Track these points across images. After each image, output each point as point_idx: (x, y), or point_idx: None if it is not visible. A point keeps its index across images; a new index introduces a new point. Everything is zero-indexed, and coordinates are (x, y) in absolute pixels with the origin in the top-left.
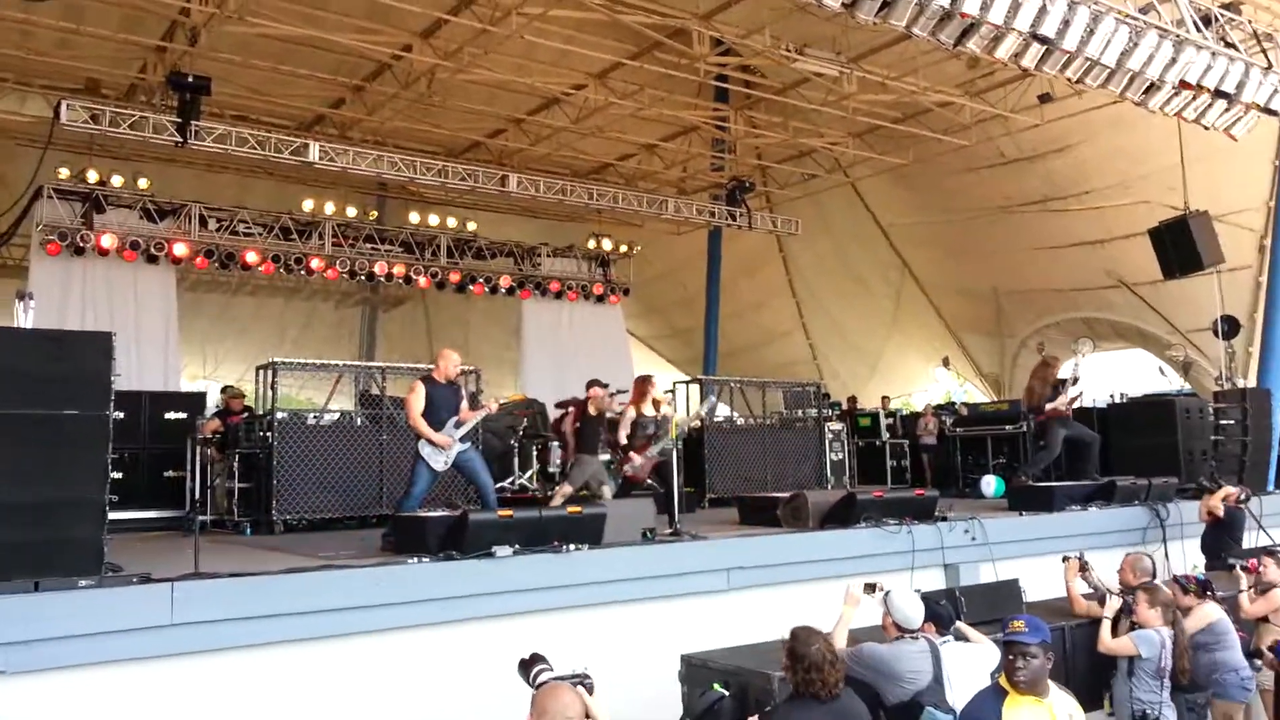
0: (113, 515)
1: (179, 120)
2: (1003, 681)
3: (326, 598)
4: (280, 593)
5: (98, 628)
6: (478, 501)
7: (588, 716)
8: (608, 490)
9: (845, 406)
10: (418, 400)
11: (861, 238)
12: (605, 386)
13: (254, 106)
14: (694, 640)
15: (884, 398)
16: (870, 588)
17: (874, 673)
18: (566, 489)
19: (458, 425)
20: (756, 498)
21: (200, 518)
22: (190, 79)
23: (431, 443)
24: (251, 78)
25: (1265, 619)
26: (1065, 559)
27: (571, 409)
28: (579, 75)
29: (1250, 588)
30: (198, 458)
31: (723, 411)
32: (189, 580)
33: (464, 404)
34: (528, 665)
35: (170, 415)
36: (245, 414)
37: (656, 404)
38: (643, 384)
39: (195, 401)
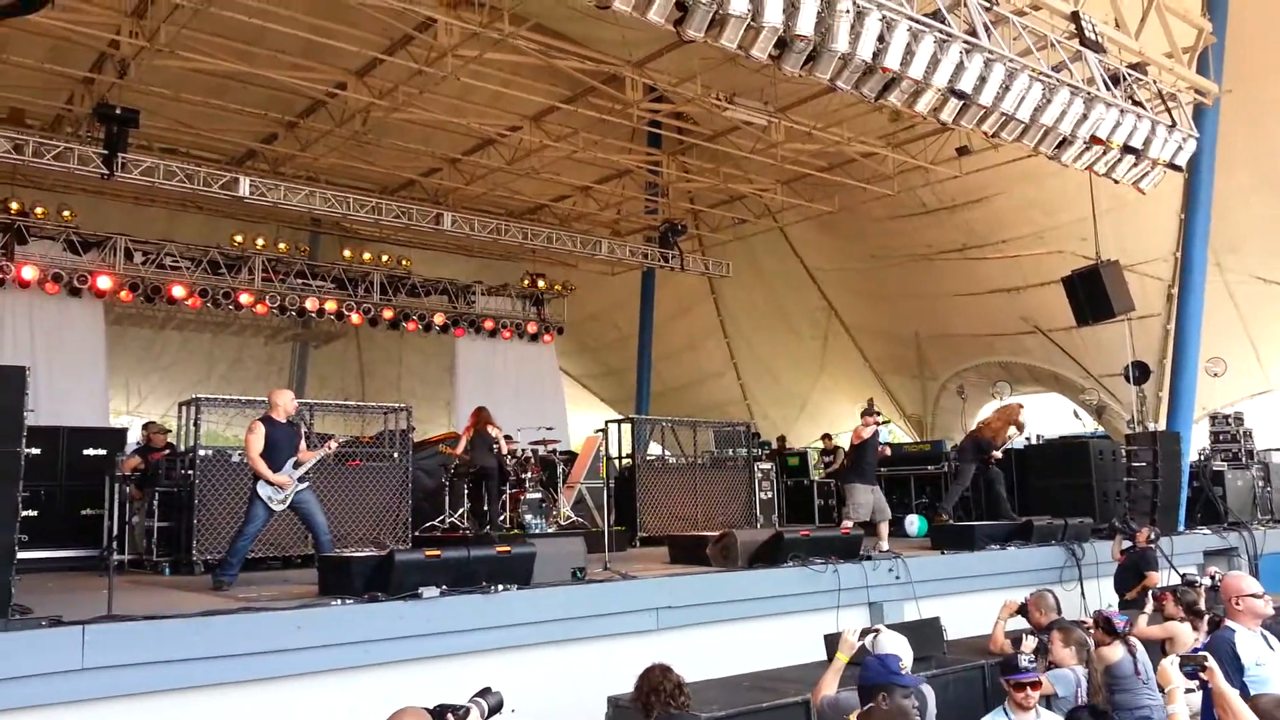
0: (23, 555)
1: (105, 152)
2: None
3: (246, 641)
4: (197, 636)
5: (4, 673)
6: (313, 545)
7: None
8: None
9: (775, 446)
10: (257, 440)
11: (790, 281)
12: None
13: (184, 140)
14: (622, 681)
15: (825, 435)
16: (868, 633)
17: None
18: None
19: (296, 465)
20: (686, 536)
21: (117, 557)
22: (118, 111)
23: (270, 483)
24: (182, 111)
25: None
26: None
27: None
28: (514, 117)
29: (1148, 612)
30: (116, 495)
31: (654, 450)
32: (102, 623)
33: (302, 443)
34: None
35: (89, 451)
36: (167, 451)
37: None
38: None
39: (116, 437)
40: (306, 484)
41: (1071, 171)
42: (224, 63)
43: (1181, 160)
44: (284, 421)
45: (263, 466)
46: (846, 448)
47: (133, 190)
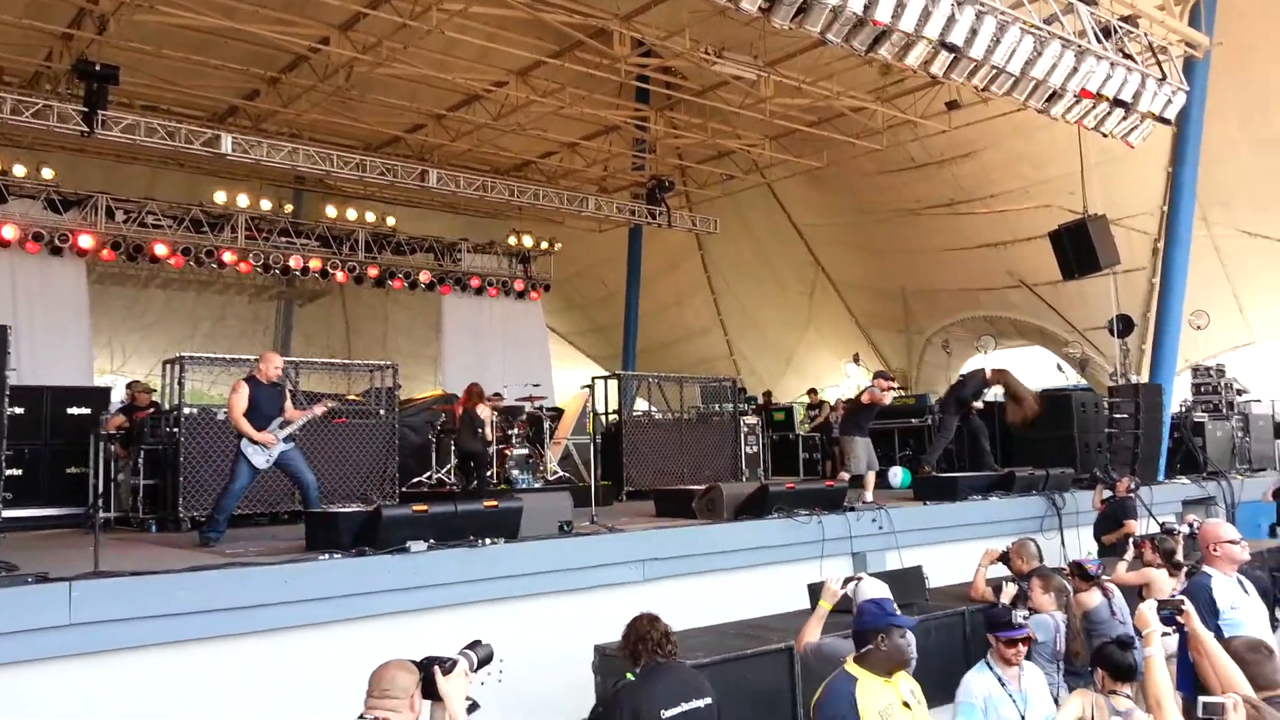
0: (8, 513)
1: (85, 110)
2: (851, 666)
3: (233, 596)
4: (184, 591)
5: None
6: (301, 501)
7: (432, 695)
8: None
9: (761, 401)
10: (240, 399)
11: (778, 237)
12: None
13: (165, 96)
14: (609, 631)
15: (811, 390)
16: (850, 581)
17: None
18: None
19: (283, 425)
20: (673, 490)
21: (103, 515)
22: (97, 67)
23: (254, 441)
24: (162, 67)
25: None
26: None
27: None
28: (500, 72)
29: (1127, 559)
30: (100, 454)
31: (641, 406)
32: (88, 579)
33: (288, 403)
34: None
35: (73, 410)
36: (151, 409)
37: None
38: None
39: (100, 396)
40: (293, 444)
41: (1060, 125)
42: (205, 17)
43: (1171, 114)
44: (266, 384)
45: (246, 425)
46: (849, 401)
47: (113, 148)
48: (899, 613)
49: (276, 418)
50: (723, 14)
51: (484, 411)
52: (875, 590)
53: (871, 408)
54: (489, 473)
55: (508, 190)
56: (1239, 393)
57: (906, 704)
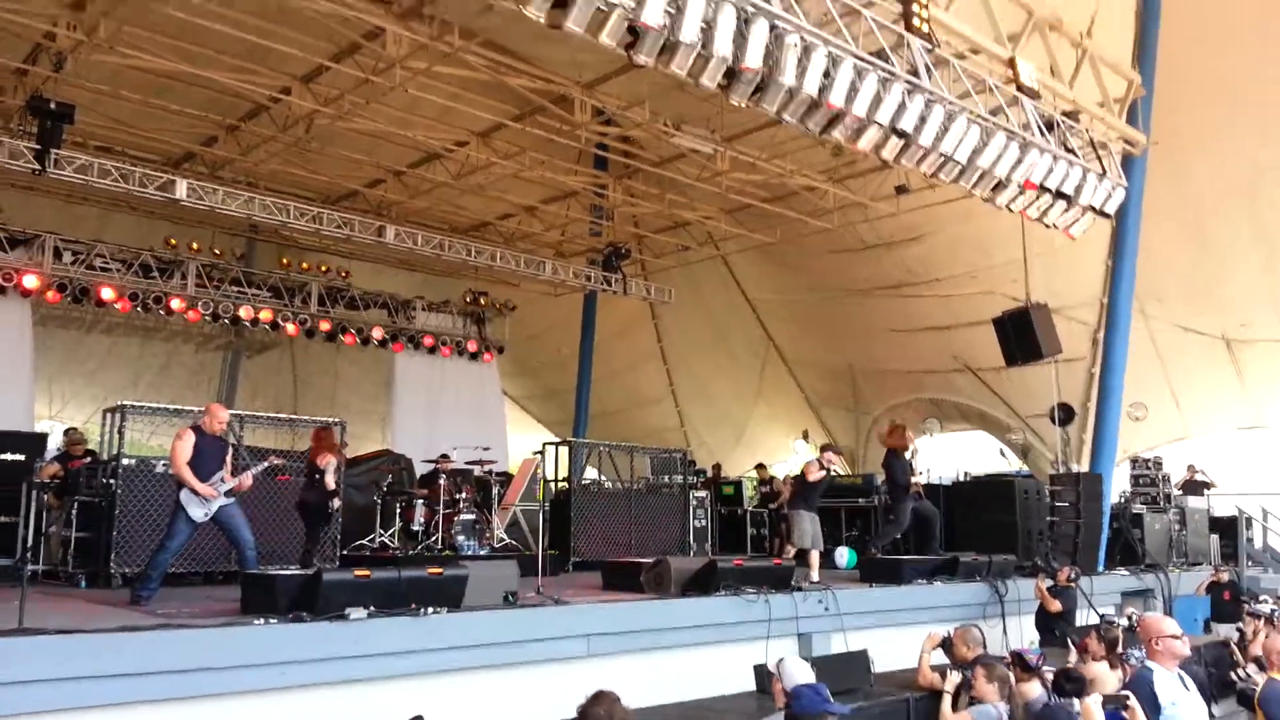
0: None
1: (38, 147)
2: None
3: (164, 659)
4: (113, 653)
5: None
6: (237, 561)
7: None
8: None
9: (710, 474)
10: (185, 448)
11: (731, 310)
12: None
13: (120, 139)
14: (552, 708)
15: (759, 466)
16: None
17: None
18: None
19: (223, 481)
20: (620, 563)
21: (31, 567)
22: (53, 105)
23: (195, 492)
24: (119, 109)
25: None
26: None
27: None
28: (461, 132)
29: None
30: (32, 503)
31: (591, 474)
32: (11, 636)
33: (228, 462)
34: None
35: (6, 456)
36: (88, 459)
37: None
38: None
39: (36, 442)
40: (233, 499)
41: (1005, 214)
42: (165, 61)
43: (1110, 208)
44: (212, 436)
45: (189, 474)
46: (796, 475)
47: (65, 188)
48: (833, 702)
49: (218, 472)
50: (682, 88)
51: (324, 460)
52: (800, 672)
53: (818, 484)
54: (323, 530)
55: (465, 250)
56: (1206, 485)
57: None
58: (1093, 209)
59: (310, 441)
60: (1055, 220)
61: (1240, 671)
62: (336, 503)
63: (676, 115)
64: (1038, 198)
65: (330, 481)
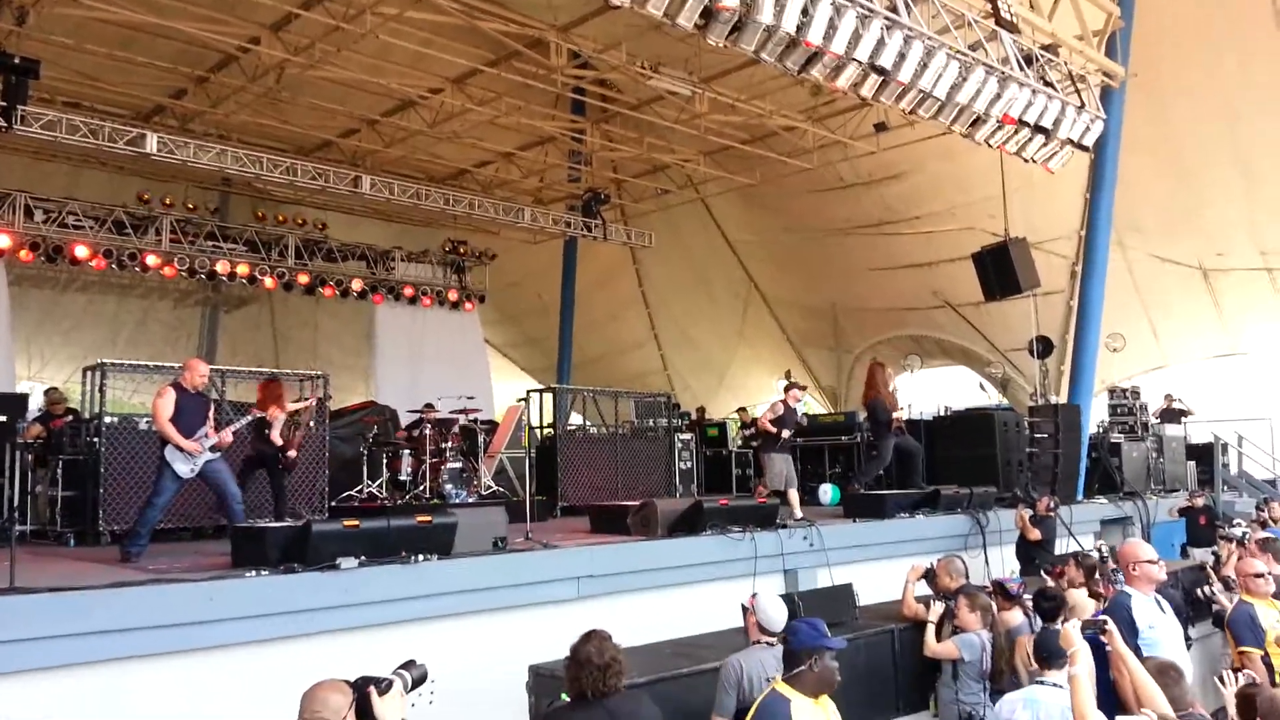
0: None
1: (3, 104)
2: (783, 686)
3: (156, 614)
4: (105, 609)
5: None
6: (223, 515)
7: (366, 717)
8: None
9: (695, 417)
10: (166, 405)
11: (711, 253)
12: None
13: (87, 93)
14: (543, 650)
15: (741, 409)
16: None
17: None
18: None
19: (206, 436)
20: (607, 506)
21: (19, 527)
22: (16, 60)
23: (180, 448)
24: (85, 63)
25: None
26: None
27: None
28: (436, 79)
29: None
30: (17, 463)
31: (575, 420)
32: (2, 595)
33: (210, 416)
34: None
35: None
36: (69, 418)
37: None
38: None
39: (17, 403)
40: (218, 455)
41: (983, 150)
42: (131, 13)
43: (1089, 141)
44: (193, 391)
45: (172, 430)
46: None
47: (32, 145)
48: (830, 636)
49: (201, 428)
50: (659, 29)
51: (272, 414)
52: (771, 605)
53: (788, 419)
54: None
55: (443, 199)
56: (1183, 414)
57: None
58: (1071, 142)
59: (257, 393)
60: (1034, 154)
61: (1206, 589)
62: (292, 454)
63: (654, 57)
64: (1016, 132)
65: (276, 436)
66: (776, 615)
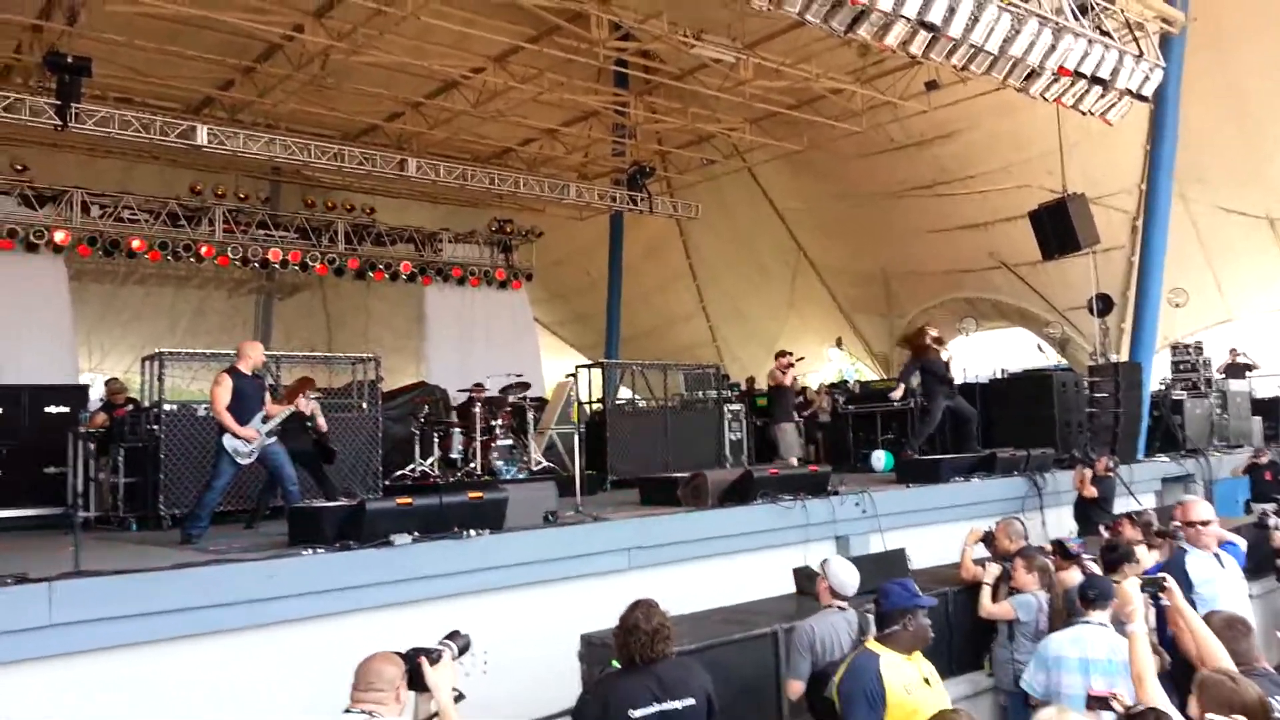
0: None
1: (58, 103)
2: (874, 644)
3: (217, 593)
4: (168, 589)
5: None
6: (281, 497)
7: (418, 686)
8: None
9: (744, 387)
10: (224, 393)
11: (759, 222)
12: None
13: (138, 88)
14: (595, 620)
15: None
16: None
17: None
18: None
19: (265, 420)
20: (657, 478)
21: (83, 514)
22: (69, 59)
23: (237, 436)
24: (135, 58)
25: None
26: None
27: None
28: (477, 58)
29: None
30: (80, 452)
31: (624, 394)
32: (69, 579)
33: (267, 397)
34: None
35: (51, 409)
36: (130, 406)
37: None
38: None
39: (79, 394)
40: (274, 438)
41: (1039, 104)
42: (177, 6)
43: (1148, 90)
44: (250, 375)
45: (229, 419)
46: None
47: (87, 141)
48: (923, 595)
49: (259, 411)
50: None
51: (302, 404)
52: (844, 569)
53: (787, 390)
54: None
55: (488, 178)
56: (1248, 368)
57: (927, 680)
58: (1130, 93)
59: (285, 398)
60: (1091, 107)
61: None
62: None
63: (695, 24)
64: (1073, 84)
65: (321, 424)
66: (849, 579)
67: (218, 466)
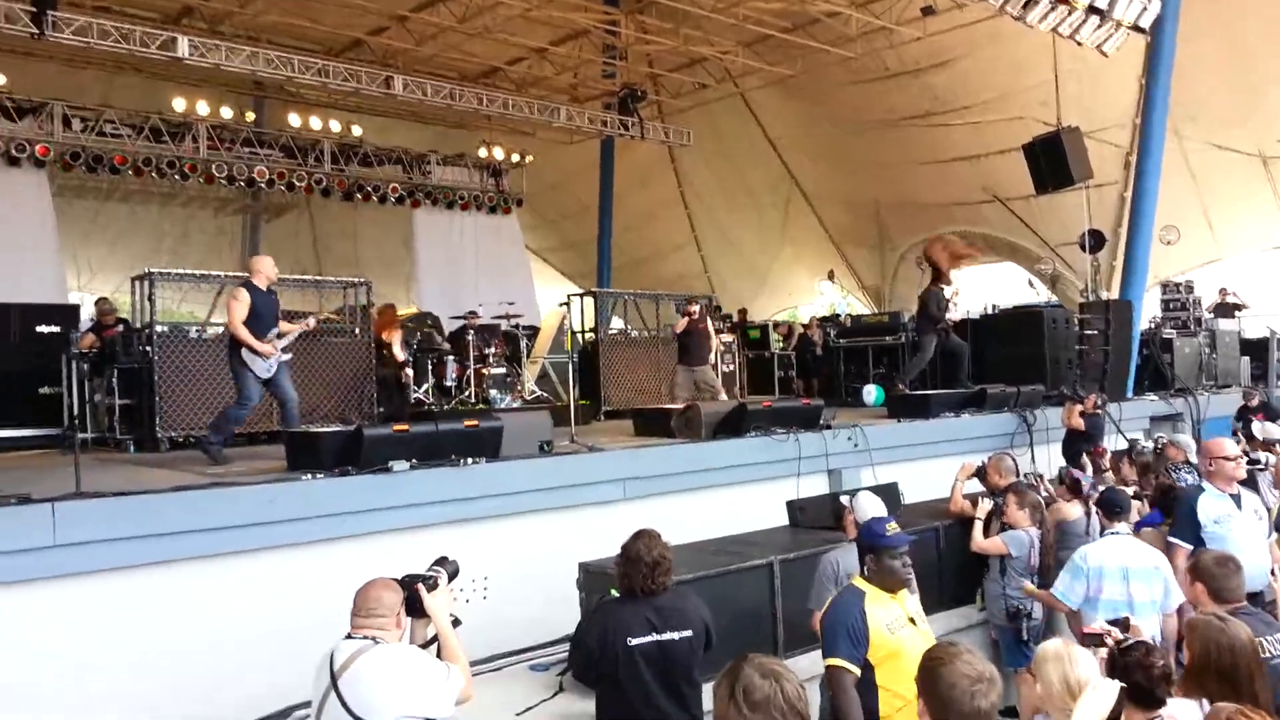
0: None
1: (34, 9)
2: (859, 581)
3: (218, 516)
4: (170, 511)
5: None
6: (280, 418)
7: (416, 612)
8: None
9: (736, 319)
10: (241, 308)
11: (751, 150)
12: None
13: None
14: (592, 549)
15: (775, 323)
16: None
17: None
18: None
19: (280, 336)
20: (651, 410)
21: (80, 435)
22: None
23: (255, 351)
24: None
25: None
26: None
27: None
28: None
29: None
30: (74, 373)
31: (617, 324)
32: (71, 500)
33: (279, 314)
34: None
35: (42, 328)
36: (120, 327)
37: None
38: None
39: (70, 314)
40: (289, 354)
41: (1035, 34)
42: None
43: (1146, 22)
44: (265, 290)
45: (247, 334)
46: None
47: (64, 51)
48: (890, 533)
49: (274, 327)
50: None
51: (389, 334)
52: (870, 503)
53: (693, 335)
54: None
55: (476, 99)
56: (1238, 308)
57: (912, 620)
58: (1127, 24)
59: (375, 318)
60: (1087, 37)
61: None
62: (409, 372)
63: None
64: (1070, 13)
65: (399, 354)
66: (875, 513)
67: (244, 390)
